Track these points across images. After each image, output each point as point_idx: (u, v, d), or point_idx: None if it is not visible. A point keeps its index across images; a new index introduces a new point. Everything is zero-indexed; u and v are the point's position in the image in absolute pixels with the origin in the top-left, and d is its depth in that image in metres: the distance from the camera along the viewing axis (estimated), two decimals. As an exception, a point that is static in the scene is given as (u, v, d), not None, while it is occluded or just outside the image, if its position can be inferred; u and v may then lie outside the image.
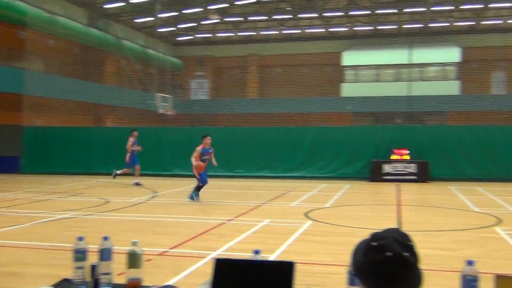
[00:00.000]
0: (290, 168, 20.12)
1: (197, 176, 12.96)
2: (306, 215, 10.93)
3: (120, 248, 3.28)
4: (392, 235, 1.68)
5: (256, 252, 2.55)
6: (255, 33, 37.06)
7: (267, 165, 20.17)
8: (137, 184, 17.14)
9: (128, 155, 17.31)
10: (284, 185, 17.57)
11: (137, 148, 17.39)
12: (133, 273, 2.67)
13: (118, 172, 17.61)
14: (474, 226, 9.63)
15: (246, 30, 36.70)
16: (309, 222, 10.00)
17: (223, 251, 7.35)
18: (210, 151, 13.15)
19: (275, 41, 36.98)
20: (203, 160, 12.97)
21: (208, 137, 13.20)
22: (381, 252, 1.64)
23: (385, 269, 1.63)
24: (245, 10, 33.35)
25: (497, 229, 9.27)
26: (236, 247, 7.65)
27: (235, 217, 10.62)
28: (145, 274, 2.73)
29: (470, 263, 2.56)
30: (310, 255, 7.16)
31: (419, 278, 1.68)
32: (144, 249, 2.86)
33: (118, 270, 2.90)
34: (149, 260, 6.42)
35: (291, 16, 33.86)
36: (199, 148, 13.00)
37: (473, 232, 9.04)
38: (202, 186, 13.11)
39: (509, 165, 18.55)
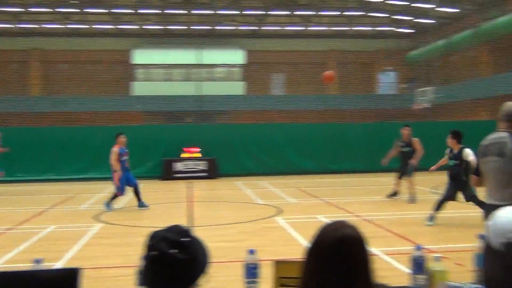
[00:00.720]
0: (78, 169, 19.15)
1: (117, 183, 11.55)
2: (96, 217, 10.57)
3: None
4: (164, 233, 1.72)
5: (38, 261, 2.40)
6: (37, 26, 34.44)
7: (53, 167, 18.94)
8: None
9: None
10: (72, 187, 16.71)
11: (2, 150, 15.15)
12: None
13: None
14: (258, 217, 10.38)
15: (27, 22, 33.84)
16: (99, 225, 9.70)
17: (1, 264, 6.73)
18: (127, 151, 11.84)
19: (60, 35, 34.87)
20: (122, 162, 11.60)
21: (123, 135, 11.86)
22: (148, 252, 1.69)
23: (152, 268, 1.68)
24: (26, 1, 30.73)
25: (277, 218, 10.13)
26: (17, 258, 7.07)
27: (16, 226, 9.78)
28: None
29: (251, 252, 2.78)
30: (99, 259, 6.96)
31: (195, 273, 1.73)
32: None
33: None
34: None
35: (78, 10, 32.25)
36: (116, 149, 11.59)
37: (257, 223, 9.74)
38: (119, 196, 11.70)
39: (287, 159, 20.37)
